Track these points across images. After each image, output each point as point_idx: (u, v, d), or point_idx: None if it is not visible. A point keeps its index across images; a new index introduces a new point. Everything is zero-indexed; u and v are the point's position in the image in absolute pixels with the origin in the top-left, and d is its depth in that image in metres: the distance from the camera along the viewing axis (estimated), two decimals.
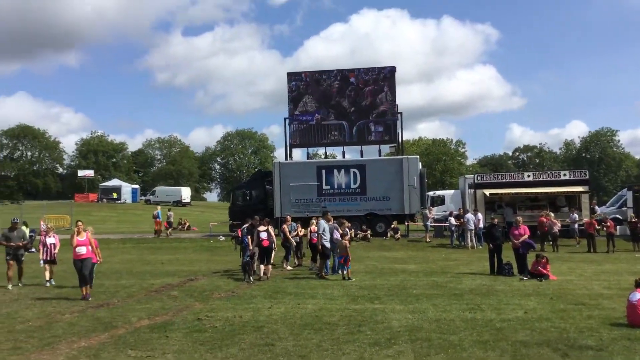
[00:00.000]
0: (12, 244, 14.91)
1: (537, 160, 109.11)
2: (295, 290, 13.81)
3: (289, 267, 18.46)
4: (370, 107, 31.37)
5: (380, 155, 31.78)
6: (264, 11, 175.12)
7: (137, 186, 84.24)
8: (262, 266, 15.85)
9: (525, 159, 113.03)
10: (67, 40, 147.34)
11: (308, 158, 33.97)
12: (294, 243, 18.97)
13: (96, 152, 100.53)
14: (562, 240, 24.78)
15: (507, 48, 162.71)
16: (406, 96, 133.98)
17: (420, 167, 30.04)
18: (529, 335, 8.98)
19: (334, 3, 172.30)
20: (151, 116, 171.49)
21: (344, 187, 29.43)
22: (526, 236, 16.39)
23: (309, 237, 18.49)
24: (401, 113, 31.69)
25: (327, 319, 10.34)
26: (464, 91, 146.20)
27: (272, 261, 16.49)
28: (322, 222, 16.59)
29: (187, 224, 39.45)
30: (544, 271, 15.34)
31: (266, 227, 16.01)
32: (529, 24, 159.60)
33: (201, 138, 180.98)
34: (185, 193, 74.03)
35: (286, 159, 32.08)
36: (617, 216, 29.41)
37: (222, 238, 29.49)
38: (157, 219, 32.83)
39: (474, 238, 25.17)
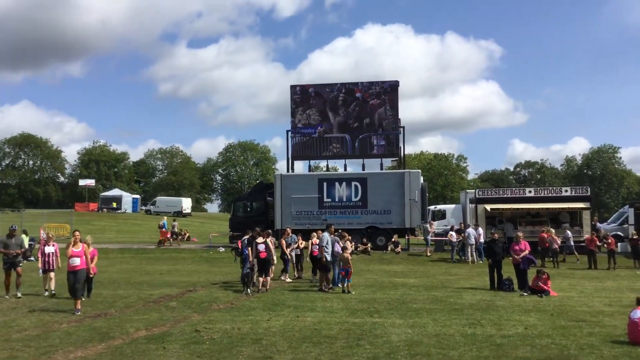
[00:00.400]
0: (10, 251, 14.73)
1: (539, 176, 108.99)
2: (294, 302, 13.74)
3: (288, 280, 18.39)
4: (373, 121, 31.41)
5: (381, 168, 31.81)
6: (269, 25, 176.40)
7: (137, 196, 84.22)
8: (260, 278, 15.78)
9: (526, 174, 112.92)
10: (73, 50, 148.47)
11: (309, 170, 33.98)
12: (289, 256, 18.94)
13: (98, 161, 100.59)
14: (562, 256, 24.69)
15: (510, 64, 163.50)
16: (409, 110, 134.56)
17: (422, 181, 30.03)
18: (529, 352, 8.91)
19: (339, 18, 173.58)
20: (154, 127, 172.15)
21: (345, 200, 29.42)
22: (527, 252, 16.33)
23: (310, 249, 18.46)
24: (403, 127, 31.77)
25: (326, 332, 10.27)
26: (467, 106, 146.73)
27: (271, 273, 16.43)
28: (326, 234, 16.54)
29: (187, 234, 39.37)
30: (545, 287, 15.28)
31: (264, 239, 15.97)
32: (532, 40, 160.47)
33: (203, 149, 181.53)
34: (186, 204, 74.01)
35: (288, 171, 32.10)
36: (619, 233, 29.34)
37: (222, 249, 29.42)
38: (163, 229, 33.30)
39: (474, 253, 25.09)
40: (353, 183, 29.49)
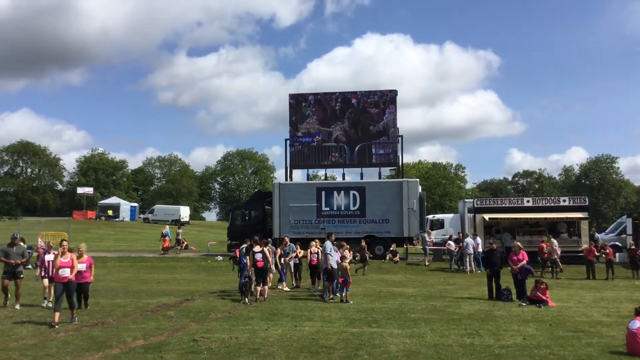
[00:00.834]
0: (10, 260, 14.40)
1: (537, 186, 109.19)
2: (292, 312, 13.71)
3: (285, 288, 18.35)
4: (371, 130, 31.45)
5: (380, 177, 31.80)
6: (268, 34, 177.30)
7: (136, 204, 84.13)
8: (258, 287, 15.74)
9: (524, 184, 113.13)
10: (73, 58, 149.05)
11: (308, 179, 33.98)
12: (285, 264, 18.90)
13: (96, 169, 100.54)
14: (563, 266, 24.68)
15: (508, 74, 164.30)
16: (408, 119, 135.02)
17: (420, 190, 30.04)
18: None
19: (339, 27, 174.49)
20: (153, 135, 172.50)
21: (343, 209, 29.41)
22: (524, 262, 16.31)
23: (309, 258, 18.45)
24: (402, 136, 31.80)
25: (324, 342, 10.25)
26: (465, 116, 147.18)
27: (269, 282, 16.40)
28: (328, 243, 16.54)
29: (185, 243, 39.29)
30: (543, 297, 15.27)
31: (262, 248, 15.94)
32: (530, 51, 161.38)
33: (202, 157, 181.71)
34: (184, 212, 73.95)
35: (286, 179, 32.10)
36: (617, 243, 29.34)
37: (220, 258, 29.36)
38: (166, 237, 33.58)
39: (472, 262, 25.07)
40: (351, 192, 29.50)
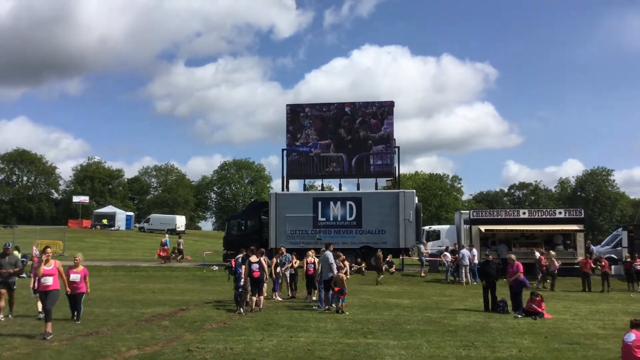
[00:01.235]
0: (2, 270, 13.91)
1: (533, 198, 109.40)
2: (287, 322, 13.67)
3: (278, 298, 18.30)
4: (369, 141, 31.51)
5: (376, 188, 31.81)
6: (267, 45, 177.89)
7: (131, 213, 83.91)
8: (254, 297, 15.69)
9: (520, 196, 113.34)
10: (71, 67, 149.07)
11: (304, 189, 33.98)
12: (281, 274, 18.86)
13: (92, 178, 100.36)
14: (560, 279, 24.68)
15: (505, 87, 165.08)
16: (405, 131, 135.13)
17: (416, 201, 30.08)
18: None
19: (337, 39, 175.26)
20: (150, 144, 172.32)
21: (339, 219, 29.40)
22: (519, 274, 16.25)
23: (305, 268, 18.43)
24: (398, 147, 31.87)
25: (320, 353, 10.21)
26: (462, 127, 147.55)
27: (264, 292, 16.34)
28: (328, 253, 16.55)
29: (177, 253, 39.12)
30: (539, 309, 15.27)
31: (259, 258, 15.90)
32: (526, 63, 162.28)
33: (199, 167, 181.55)
34: (180, 221, 73.76)
35: (283, 189, 32.10)
36: (612, 255, 29.39)
37: (216, 267, 29.27)
38: (165, 247, 34.16)
39: (468, 274, 25.05)
40: (348, 202, 29.50)
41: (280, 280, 19.10)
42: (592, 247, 30.49)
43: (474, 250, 25.77)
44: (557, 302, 18.77)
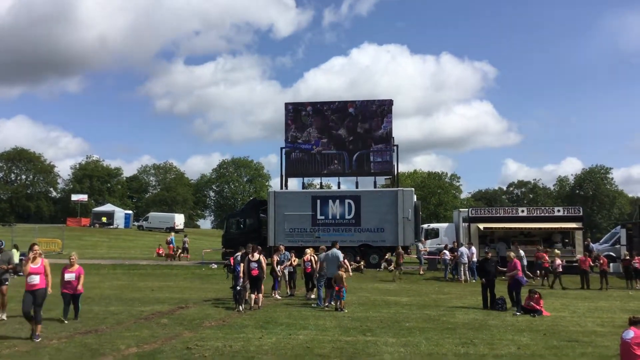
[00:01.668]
0: None
1: (531, 196, 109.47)
2: (286, 320, 13.67)
3: (278, 296, 18.31)
4: (367, 139, 31.51)
5: (375, 186, 31.83)
6: (266, 43, 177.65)
7: (130, 212, 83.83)
8: (252, 295, 15.68)
9: (519, 194, 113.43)
10: (70, 66, 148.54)
11: (303, 188, 33.99)
12: (280, 274, 18.87)
13: (91, 176, 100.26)
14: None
15: (504, 85, 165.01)
16: (404, 129, 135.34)
17: (415, 199, 30.09)
18: None
19: (336, 37, 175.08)
20: (149, 142, 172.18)
21: (338, 217, 29.41)
22: (515, 271, 16.23)
23: (302, 266, 18.44)
24: (397, 145, 31.88)
25: (319, 350, 10.21)
26: (461, 126, 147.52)
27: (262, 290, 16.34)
28: (337, 251, 16.65)
29: (180, 251, 39.17)
30: (537, 307, 15.29)
31: (258, 256, 15.89)
32: (525, 62, 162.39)
33: (198, 165, 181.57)
34: (179, 220, 73.72)
35: (281, 188, 32.09)
36: (611, 253, 29.44)
37: (214, 266, 29.28)
38: (171, 245, 35.20)
39: (467, 272, 25.07)
40: (346, 201, 29.52)
41: (279, 279, 19.10)
42: (592, 245, 30.54)
43: (473, 248, 25.79)
44: (555, 299, 18.79)
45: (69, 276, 13.29)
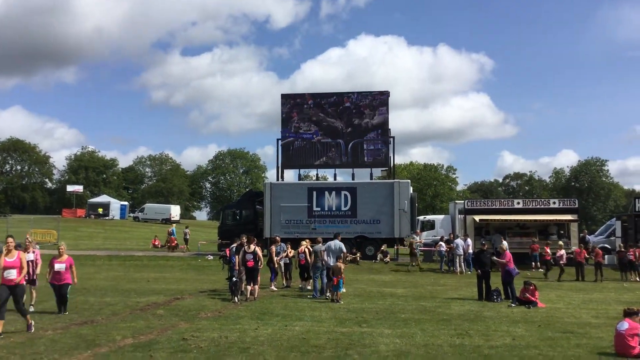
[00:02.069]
0: None
1: (527, 188, 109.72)
2: (282, 311, 13.69)
3: (274, 288, 18.32)
4: (363, 131, 31.45)
5: (371, 178, 31.80)
6: (263, 34, 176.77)
7: (126, 203, 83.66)
8: (248, 287, 15.68)
9: (515, 186, 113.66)
10: (66, 57, 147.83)
11: (299, 179, 33.95)
12: (277, 265, 18.88)
13: (86, 167, 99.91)
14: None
15: (500, 77, 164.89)
16: (400, 121, 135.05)
17: (411, 191, 30.10)
18: None
19: (333, 29, 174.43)
20: (145, 133, 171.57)
21: (334, 209, 29.40)
22: (506, 262, 16.29)
23: (297, 258, 18.48)
24: (393, 137, 31.84)
25: (314, 341, 10.23)
26: (458, 118, 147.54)
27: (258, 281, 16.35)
28: (338, 242, 16.82)
29: (176, 242, 39.15)
30: (532, 298, 15.35)
31: (254, 248, 15.88)
32: (522, 54, 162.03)
33: (194, 157, 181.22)
34: (175, 211, 73.62)
35: (277, 179, 32.04)
36: (606, 245, 29.55)
37: (210, 257, 29.28)
38: (172, 236, 35.40)
39: (462, 263, 25.15)
40: (343, 192, 29.50)
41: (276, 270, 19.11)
42: (588, 237, 30.65)
43: (469, 240, 25.85)
44: (550, 291, 18.88)
45: (58, 266, 13.02)
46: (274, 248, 18.96)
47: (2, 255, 10.79)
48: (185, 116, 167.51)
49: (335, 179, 32.92)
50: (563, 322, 12.87)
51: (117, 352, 9.28)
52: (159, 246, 37.06)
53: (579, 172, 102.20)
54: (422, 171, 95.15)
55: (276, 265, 18.84)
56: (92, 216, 71.62)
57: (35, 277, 13.83)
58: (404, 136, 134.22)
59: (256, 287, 15.87)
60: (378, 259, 28.43)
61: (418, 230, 30.59)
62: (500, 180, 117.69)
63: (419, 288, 19.47)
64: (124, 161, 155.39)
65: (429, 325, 12.01)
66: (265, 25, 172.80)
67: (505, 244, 22.74)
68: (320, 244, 16.95)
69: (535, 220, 27.89)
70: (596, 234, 34.58)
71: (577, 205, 28.54)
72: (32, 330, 10.81)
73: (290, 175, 34.52)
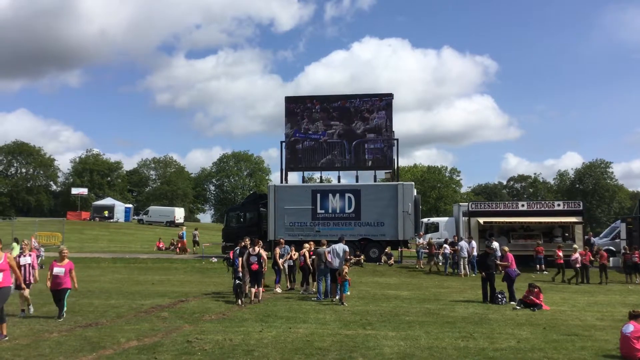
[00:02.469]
0: None
1: (531, 190, 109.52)
2: (286, 314, 13.69)
3: (278, 290, 18.33)
4: (367, 133, 31.45)
5: (375, 180, 31.81)
6: (267, 37, 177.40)
7: (130, 205, 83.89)
8: (252, 289, 15.69)
9: (519, 188, 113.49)
10: (71, 60, 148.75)
11: (303, 182, 33.96)
12: (282, 267, 18.90)
13: (91, 170, 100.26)
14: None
15: (505, 80, 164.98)
16: (404, 123, 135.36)
17: (415, 193, 30.07)
18: None
19: (338, 31, 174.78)
20: (150, 136, 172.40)
21: (338, 211, 29.38)
22: (507, 264, 16.31)
23: (298, 260, 18.50)
24: (397, 139, 31.85)
25: (319, 344, 10.23)
26: (462, 120, 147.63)
27: (262, 284, 16.36)
28: (342, 245, 16.83)
29: (180, 245, 39.21)
30: (537, 301, 15.30)
31: (258, 250, 15.89)
32: (526, 57, 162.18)
33: (198, 159, 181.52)
34: (179, 213, 73.76)
35: (281, 182, 32.07)
36: (611, 247, 29.44)
37: (215, 259, 29.31)
38: (183, 239, 35.89)
39: (467, 266, 25.09)
40: (346, 195, 29.48)
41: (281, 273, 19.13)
42: (593, 239, 30.53)
43: (473, 243, 25.78)
44: (555, 293, 18.81)
45: (57, 270, 12.50)
46: (278, 250, 18.99)
47: None
48: (189, 119, 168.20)
49: (339, 181, 32.94)
50: (568, 324, 12.82)
51: (121, 355, 9.30)
52: (164, 248, 37.12)
53: (583, 174, 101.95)
54: (426, 173, 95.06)
55: (282, 268, 18.86)
56: (97, 219, 71.87)
57: (30, 281, 13.36)
58: (408, 138, 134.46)
59: (260, 289, 15.87)
60: (382, 261, 28.39)
61: (421, 232, 30.53)
62: (505, 182, 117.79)
63: (424, 290, 19.44)
64: (129, 164, 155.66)
65: (434, 328, 11.99)
66: (269, 28, 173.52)
67: (496, 244, 22.70)
68: (325, 247, 16.94)
69: (540, 223, 27.80)
70: (601, 236, 34.44)
71: (582, 208, 28.43)
72: (6, 339, 10.23)
73: (294, 178, 34.58)
